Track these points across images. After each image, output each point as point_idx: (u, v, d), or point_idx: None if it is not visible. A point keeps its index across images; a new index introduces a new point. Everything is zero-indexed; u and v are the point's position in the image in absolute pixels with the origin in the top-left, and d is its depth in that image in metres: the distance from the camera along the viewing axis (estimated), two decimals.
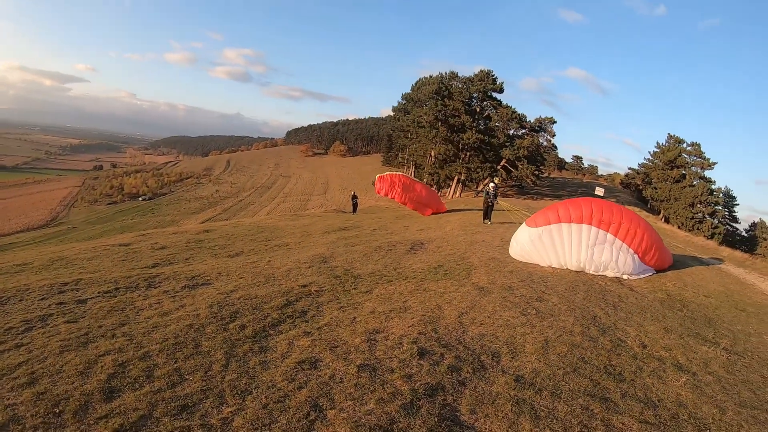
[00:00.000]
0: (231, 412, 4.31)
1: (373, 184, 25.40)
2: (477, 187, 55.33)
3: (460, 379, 5.26)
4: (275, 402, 4.51)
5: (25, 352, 5.38)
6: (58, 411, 4.17)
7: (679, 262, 13.15)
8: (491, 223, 19.19)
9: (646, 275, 11.15)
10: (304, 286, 8.78)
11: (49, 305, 7.14)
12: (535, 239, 10.94)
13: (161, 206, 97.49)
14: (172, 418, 4.17)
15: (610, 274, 10.69)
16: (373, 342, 6.21)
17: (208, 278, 9.34)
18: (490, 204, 19.69)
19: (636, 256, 10.75)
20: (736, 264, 16.62)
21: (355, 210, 32.27)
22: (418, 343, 6.13)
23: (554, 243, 10.77)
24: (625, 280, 10.62)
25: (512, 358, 5.95)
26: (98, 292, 7.97)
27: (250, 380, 4.94)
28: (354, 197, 33.42)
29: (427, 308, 7.68)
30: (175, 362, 5.28)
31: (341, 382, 5.00)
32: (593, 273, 10.68)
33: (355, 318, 7.20)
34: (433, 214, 24.87)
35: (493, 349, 6.20)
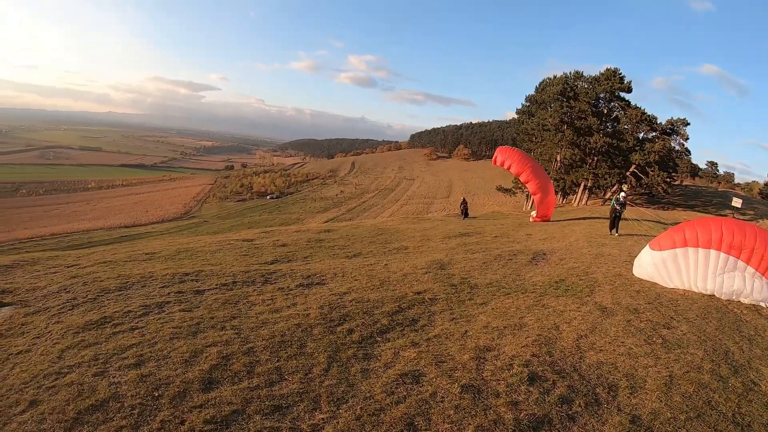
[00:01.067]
0: (323, 419, 4.35)
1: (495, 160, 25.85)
2: (604, 195, 52.11)
3: (570, 412, 4.87)
4: (369, 414, 4.46)
5: (138, 336, 5.98)
6: (157, 395, 4.54)
7: None
8: (618, 235, 18.23)
9: None
10: (419, 293, 8.75)
11: (169, 293, 7.89)
12: (659, 264, 10.37)
13: (287, 205, 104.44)
14: (263, 417, 4.30)
15: (744, 301, 9.72)
16: (482, 360, 5.97)
17: (324, 278, 9.71)
18: (618, 214, 18.49)
19: None
20: None
21: (466, 215, 31.98)
22: (530, 367, 5.80)
23: (680, 269, 10.15)
24: (763, 308, 9.57)
25: (630, 393, 5.43)
26: (216, 285, 8.65)
27: (349, 388, 4.97)
28: (463, 202, 33.17)
29: (543, 327, 7.28)
30: (278, 360, 5.50)
31: (442, 401, 4.83)
32: (725, 299, 9.83)
33: (466, 332, 6.99)
34: (536, 221, 24.97)
35: (611, 381, 5.71)
